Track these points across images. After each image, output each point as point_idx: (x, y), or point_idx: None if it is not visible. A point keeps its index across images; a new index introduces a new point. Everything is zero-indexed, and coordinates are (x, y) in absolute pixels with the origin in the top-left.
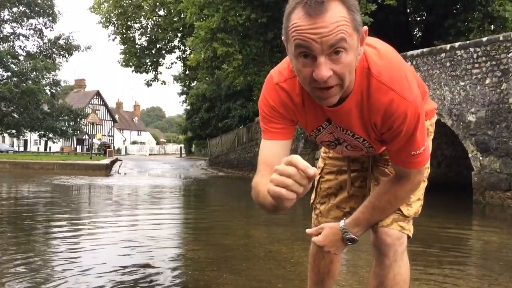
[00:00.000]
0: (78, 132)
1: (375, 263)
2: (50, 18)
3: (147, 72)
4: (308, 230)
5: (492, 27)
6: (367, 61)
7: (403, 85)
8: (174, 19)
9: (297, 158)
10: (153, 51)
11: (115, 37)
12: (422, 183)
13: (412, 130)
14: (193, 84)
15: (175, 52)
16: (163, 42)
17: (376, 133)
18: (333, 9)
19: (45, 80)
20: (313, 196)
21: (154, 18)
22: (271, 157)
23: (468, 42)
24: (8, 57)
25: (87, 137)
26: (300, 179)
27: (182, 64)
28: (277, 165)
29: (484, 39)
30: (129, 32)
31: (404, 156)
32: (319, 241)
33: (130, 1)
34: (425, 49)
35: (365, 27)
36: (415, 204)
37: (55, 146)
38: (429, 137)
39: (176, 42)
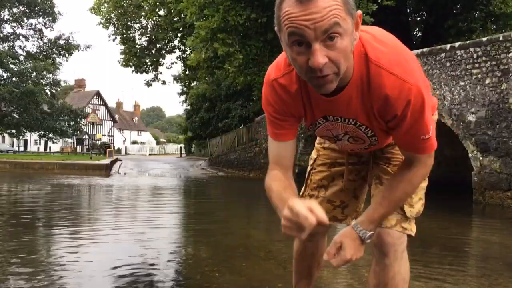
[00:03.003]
0: (78, 132)
1: (375, 262)
2: (50, 18)
3: (147, 72)
4: (325, 257)
5: (494, 26)
6: (364, 47)
7: (403, 68)
8: (174, 19)
9: (316, 208)
10: (153, 51)
11: (115, 37)
12: (423, 182)
13: (418, 113)
14: (193, 84)
15: (175, 52)
16: (163, 42)
17: (379, 121)
18: None
19: (45, 81)
20: (303, 188)
21: (154, 18)
22: (279, 157)
23: (468, 42)
24: (8, 57)
25: (87, 137)
26: (314, 228)
27: (182, 64)
28: (285, 161)
29: (484, 39)
30: (129, 32)
31: (413, 141)
32: (347, 259)
33: (130, 1)
34: (425, 49)
35: (359, 11)
36: (417, 205)
37: (55, 146)
38: None
39: (176, 42)
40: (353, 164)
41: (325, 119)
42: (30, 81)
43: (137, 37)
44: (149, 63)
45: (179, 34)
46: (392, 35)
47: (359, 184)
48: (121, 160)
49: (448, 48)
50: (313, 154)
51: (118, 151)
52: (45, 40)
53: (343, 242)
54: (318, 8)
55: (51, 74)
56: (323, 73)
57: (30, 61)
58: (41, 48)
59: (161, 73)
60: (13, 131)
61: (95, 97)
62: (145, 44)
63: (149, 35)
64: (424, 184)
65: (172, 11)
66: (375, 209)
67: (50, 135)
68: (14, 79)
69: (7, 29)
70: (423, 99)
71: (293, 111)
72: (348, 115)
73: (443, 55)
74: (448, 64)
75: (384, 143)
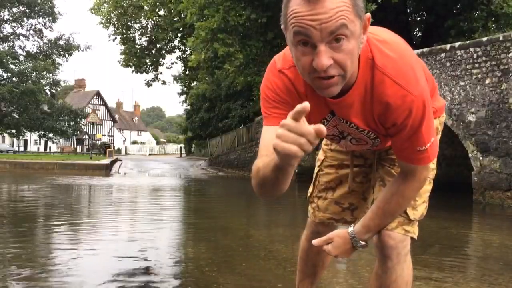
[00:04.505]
0: (78, 132)
1: (378, 264)
2: (50, 18)
3: (147, 72)
4: (314, 241)
5: (494, 26)
6: (371, 52)
7: (409, 78)
8: (174, 19)
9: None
10: (153, 51)
11: (116, 38)
12: (428, 185)
13: (418, 125)
14: (193, 84)
15: (175, 52)
16: (163, 42)
17: (379, 127)
18: None
19: (45, 80)
20: (310, 189)
21: (154, 18)
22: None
23: (468, 42)
24: (8, 57)
25: (87, 137)
26: (313, 139)
27: (182, 64)
28: None
29: (484, 39)
30: (129, 32)
31: (409, 151)
32: (330, 252)
33: (130, 2)
34: (425, 49)
35: (368, 14)
36: (420, 207)
37: (55, 146)
38: (437, 136)
39: (176, 42)
40: (359, 167)
41: (332, 114)
42: (30, 81)
43: (137, 37)
44: (149, 63)
45: (179, 34)
46: (401, 40)
47: (368, 187)
48: (121, 160)
49: (448, 48)
50: (320, 155)
51: (118, 151)
52: (45, 40)
53: (334, 240)
54: (325, 8)
55: (51, 74)
56: (327, 74)
57: (30, 61)
58: (41, 48)
59: (161, 73)
60: (13, 131)
61: (95, 97)
62: (145, 44)
63: (149, 35)
64: (429, 187)
65: (172, 11)
66: (371, 219)
67: (50, 135)
68: (14, 79)
69: (7, 29)
70: (424, 111)
71: (296, 103)
72: (349, 119)
73: (443, 55)
74: (448, 64)
75: (387, 144)
